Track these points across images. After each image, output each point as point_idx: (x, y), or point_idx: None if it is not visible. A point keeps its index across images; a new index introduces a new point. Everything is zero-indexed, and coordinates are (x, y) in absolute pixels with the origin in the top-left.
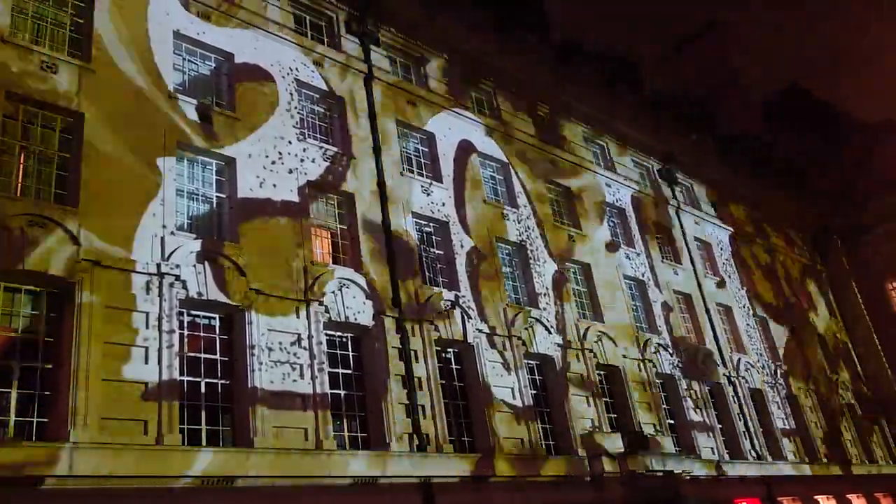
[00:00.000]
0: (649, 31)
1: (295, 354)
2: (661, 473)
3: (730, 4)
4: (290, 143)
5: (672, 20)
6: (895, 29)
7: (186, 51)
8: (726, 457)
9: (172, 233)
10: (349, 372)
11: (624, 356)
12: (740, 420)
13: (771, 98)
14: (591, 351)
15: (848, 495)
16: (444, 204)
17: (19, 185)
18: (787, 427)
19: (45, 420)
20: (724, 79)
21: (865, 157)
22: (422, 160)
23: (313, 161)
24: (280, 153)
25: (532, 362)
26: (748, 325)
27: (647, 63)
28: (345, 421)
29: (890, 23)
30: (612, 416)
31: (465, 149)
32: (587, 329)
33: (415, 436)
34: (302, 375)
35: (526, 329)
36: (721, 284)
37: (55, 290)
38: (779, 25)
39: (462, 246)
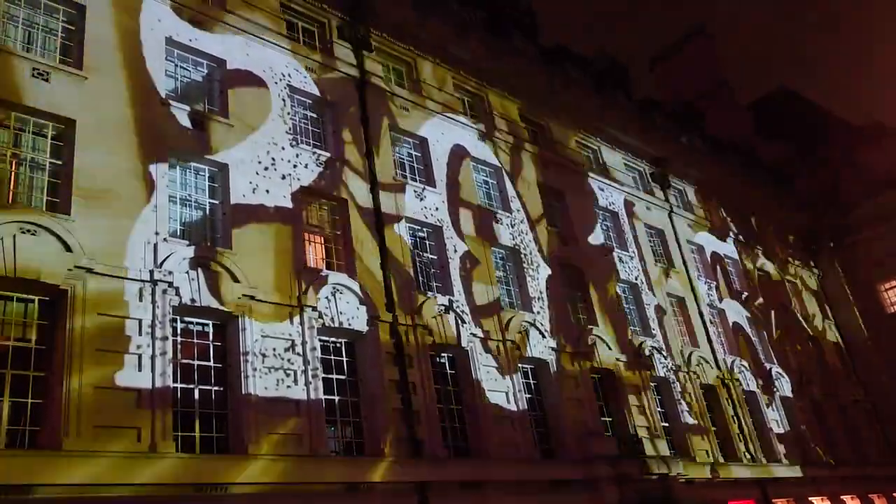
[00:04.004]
0: (638, 35)
1: (289, 360)
2: (655, 476)
3: (718, 7)
4: (283, 148)
5: (661, 24)
6: (884, 30)
7: (178, 57)
8: (721, 459)
9: (165, 239)
10: (343, 378)
11: (618, 359)
12: (734, 422)
13: (760, 100)
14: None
15: (842, 496)
16: (437, 209)
17: (11, 192)
18: (782, 429)
19: (38, 428)
20: (713, 82)
21: (854, 159)
22: (415, 165)
23: (306, 167)
24: (273, 159)
25: (526, 366)
26: (741, 327)
27: (636, 66)
28: (339, 427)
29: (880, 24)
30: (607, 419)
31: (458, 153)
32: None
33: (409, 441)
34: (296, 381)
35: (520, 333)
36: (714, 287)
37: (47, 298)
38: (767, 27)
39: (455, 250)
